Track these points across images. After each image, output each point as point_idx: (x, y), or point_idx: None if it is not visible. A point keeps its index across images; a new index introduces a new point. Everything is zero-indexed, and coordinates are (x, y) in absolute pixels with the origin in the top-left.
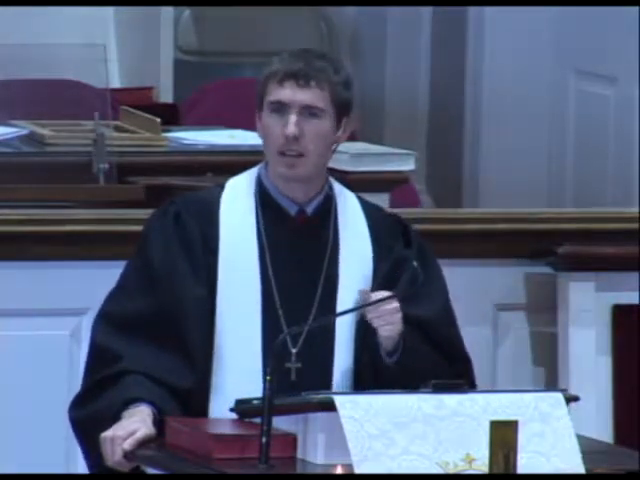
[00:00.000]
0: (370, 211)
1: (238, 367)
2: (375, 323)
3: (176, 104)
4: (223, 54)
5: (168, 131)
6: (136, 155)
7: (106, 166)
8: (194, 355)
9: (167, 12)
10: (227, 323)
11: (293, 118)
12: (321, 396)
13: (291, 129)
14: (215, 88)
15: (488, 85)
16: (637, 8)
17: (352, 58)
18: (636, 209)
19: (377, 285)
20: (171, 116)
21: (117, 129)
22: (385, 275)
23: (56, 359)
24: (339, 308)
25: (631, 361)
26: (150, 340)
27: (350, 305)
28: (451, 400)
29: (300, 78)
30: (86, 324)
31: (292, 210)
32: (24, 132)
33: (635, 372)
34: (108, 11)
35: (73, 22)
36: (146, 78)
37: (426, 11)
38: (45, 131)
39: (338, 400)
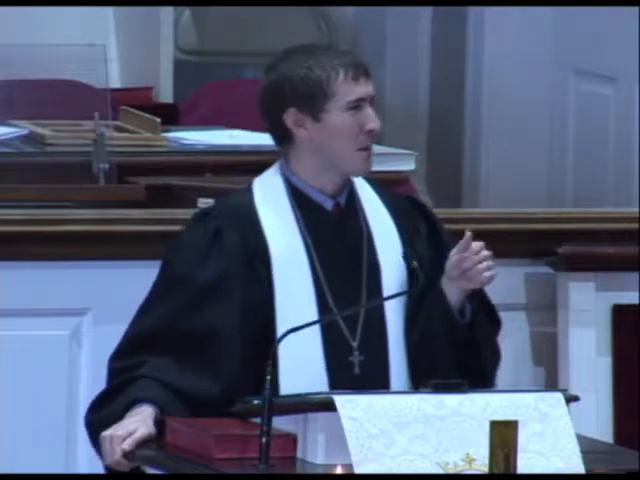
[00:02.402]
0: (384, 195)
1: (302, 369)
2: (474, 271)
3: (176, 104)
4: (223, 54)
5: (168, 131)
6: (136, 155)
7: (106, 166)
8: (222, 372)
9: (167, 12)
10: (287, 328)
11: (372, 112)
12: (321, 396)
13: (378, 123)
14: (215, 88)
15: (488, 85)
16: (637, 8)
17: None
18: (636, 209)
19: (424, 269)
20: (171, 116)
21: (117, 129)
22: (430, 260)
23: (56, 359)
24: (386, 294)
25: (631, 361)
26: (172, 354)
27: (394, 290)
28: (451, 400)
29: (366, 71)
30: (86, 324)
31: (328, 205)
32: (24, 132)
33: (635, 372)
34: (108, 11)
35: (73, 22)
36: (146, 78)
37: (426, 11)
38: (45, 131)
39: (338, 400)
